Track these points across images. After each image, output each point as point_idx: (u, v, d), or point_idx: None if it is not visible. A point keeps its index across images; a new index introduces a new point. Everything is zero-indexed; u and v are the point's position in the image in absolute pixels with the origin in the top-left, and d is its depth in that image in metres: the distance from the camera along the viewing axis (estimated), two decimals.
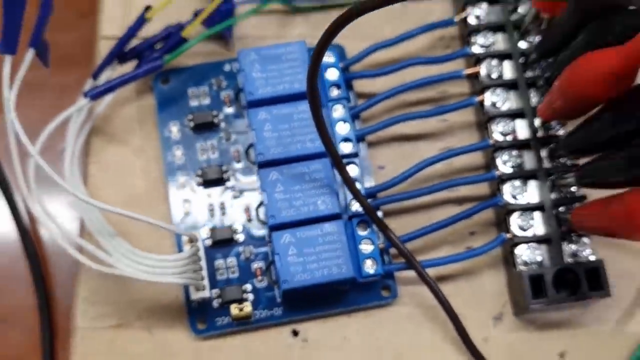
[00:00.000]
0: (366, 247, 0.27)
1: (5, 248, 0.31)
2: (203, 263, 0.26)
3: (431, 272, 0.28)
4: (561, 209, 0.28)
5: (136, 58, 0.29)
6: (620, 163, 0.24)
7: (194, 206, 0.29)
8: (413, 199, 0.28)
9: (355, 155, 0.28)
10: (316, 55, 0.22)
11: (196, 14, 0.30)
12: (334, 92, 0.29)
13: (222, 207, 0.29)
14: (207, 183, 0.29)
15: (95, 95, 0.28)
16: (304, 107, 0.28)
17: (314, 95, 0.24)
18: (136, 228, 0.28)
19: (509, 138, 0.29)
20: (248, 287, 0.28)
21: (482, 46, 0.30)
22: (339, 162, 0.26)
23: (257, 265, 0.28)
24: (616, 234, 0.25)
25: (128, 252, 0.25)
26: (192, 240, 0.27)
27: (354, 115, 0.29)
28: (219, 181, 0.29)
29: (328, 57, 0.29)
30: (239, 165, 0.29)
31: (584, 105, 0.25)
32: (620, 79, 0.23)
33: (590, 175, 0.26)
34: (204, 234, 0.28)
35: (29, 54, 0.27)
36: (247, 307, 0.27)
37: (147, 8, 0.29)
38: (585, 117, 0.26)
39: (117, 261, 0.25)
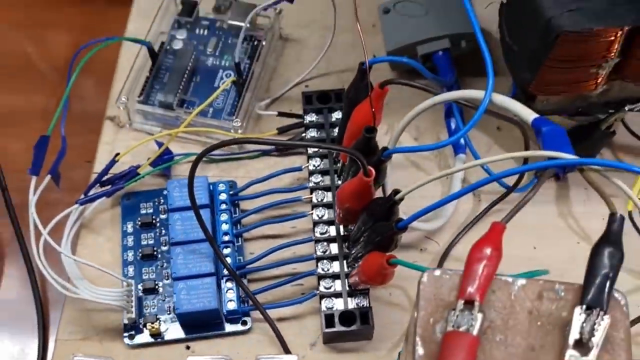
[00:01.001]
0: (230, 294, 0.46)
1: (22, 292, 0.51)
2: (133, 297, 0.46)
3: (273, 313, 0.46)
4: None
5: (109, 184, 0.50)
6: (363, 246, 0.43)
7: (134, 269, 0.48)
8: (268, 269, 0.48)
9: (230, 242, 0.48)
10: (190, 179, 0.42)
11: (148, 158, 0.50)
12: (222, 206, 0.49)
13: (152, 270, 0.48)
14: (145, 257, 0.48)
15: (84, 202, 0.48)
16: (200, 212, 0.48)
17: (194, 204, 0.44)
18: (99, 276, 0.47)
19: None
20: (162, 317, 0.47)
21: (315, 183, 0.50)
22: (213, 244, 0.46)
23: (168, 305, 0.47)
24: (367, 284, 0.43)
25: (89, 286, 0.45)
26: (129, 285, 0.46)
27: (236, 221, 0.49)
28: (150, 256, 0.48)
29: (222, 186, 0.50)
30: (164, 247, 0.49)
31: None
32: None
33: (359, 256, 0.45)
34: (140, 286, 0.47)
35: (47, 178, 0.48)
36: (157, 326, 0.46)
37: (117, 155, 0.50)
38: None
39: (81, 291, 0.44)
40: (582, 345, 0.31)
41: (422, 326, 0.33)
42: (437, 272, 0.34)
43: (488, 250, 0.33)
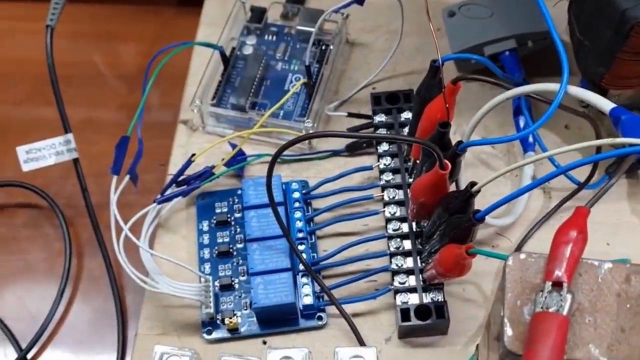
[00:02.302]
0: (306, 289, 0.47)
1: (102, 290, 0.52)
2: (211, 292, 0.47)
3: (347, 309, 0.47)
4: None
5: (185, 184, 0.51)
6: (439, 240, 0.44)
7: (210, 266, 0.49)
8: (341, 266, 0.48)
9: (304, 239, 0.49)
10: (269, 173, 0.43)
11: (222, 159, 0.52)
12: (295, 204, 0.50)
13: (228, 267, 0.49)
14: (221, 254, 0.49)
15: (161, 202, 0.50)
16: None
17: (271, 199, 0.45)
18: (177, 273, 0.48)
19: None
20: (238, 313, 0.47)
21: (386, 181, 0.50)
22: (289, 238, 0.47)
23: (244, 301, 0.48)
24: (444, 276, 0.44)
25: (168, 281, 0.46)
26: (207, 281, 0.47)
27: (309, 219, 0.50)
28: (226, 254, 0.49)
29: (295, 185, 0.51)
30: (240, 245, 0.50)
31: None
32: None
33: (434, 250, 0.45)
34: (217, 282, 0.48)
35: (126, 179, 0.49)
36: (235, 321, 0.46)
37: (193, 155, 0.51)
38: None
39: (161, 285, 0.45)
40: None
41: (509, 308, 0.33)
42: (523, 255, 0.34)
43: (574, 234, 0.34)
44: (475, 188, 0.41)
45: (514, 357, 0.32)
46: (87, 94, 0.62)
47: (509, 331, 0.33)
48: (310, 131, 0.53)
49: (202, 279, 0.47)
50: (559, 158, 0.50)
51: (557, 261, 0.33)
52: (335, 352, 0.43)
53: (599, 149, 0.46)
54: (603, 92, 0.47)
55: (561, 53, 0.42)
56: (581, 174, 0.50)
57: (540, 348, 0.31)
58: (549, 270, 0.33)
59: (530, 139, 0.52)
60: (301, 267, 0.48)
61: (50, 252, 0.55)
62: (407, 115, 0.52)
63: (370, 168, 0.51)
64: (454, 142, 0.44)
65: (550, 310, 0.32)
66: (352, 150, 0.53)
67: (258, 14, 0.57)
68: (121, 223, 0.47)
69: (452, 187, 0.47)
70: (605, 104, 0.40)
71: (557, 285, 0.32)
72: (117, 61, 0.65)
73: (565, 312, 0.32)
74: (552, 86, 0.42)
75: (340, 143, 0.53)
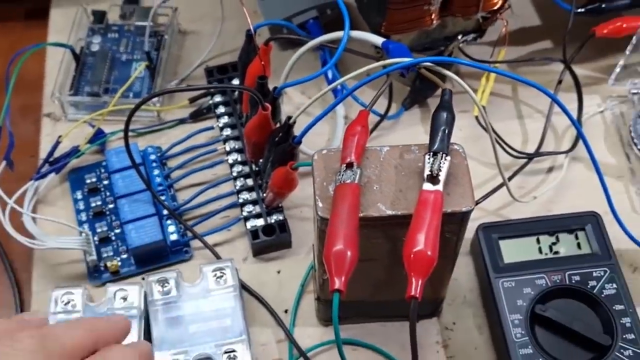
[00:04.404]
0: (171, 229, 0.57)
1: None
2: (92, 242, 0.55)
3: (208, 240, 0.57)
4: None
5: (56, 163, 0.59)
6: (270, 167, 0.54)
7: (88, 226, 0.58)
8: (198, 208, 0.58)
9: (164, 190, 0.58)
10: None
11: (86, 138, 0.60)
12: (153, 164, 0.59)
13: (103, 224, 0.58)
14: (96, 215, 0.58)
15: (37, 178, 0.58)
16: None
17: (132, 160, 0.54)
18: (62, 233, 0.56)
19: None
20: (117, 258, 0.56)
21: (226, 135, 0.61)
22: (150, 188, 0.56)
23: (121, 248, 0.57)
24: (280, 194, 0.54)
25: (53, 237, 0.54)
26: (87, 234, 0.56)
27: (166, 175, 0.59)
28: (100, 214, 0.58)
29: (150, 149, 0.60)
30: (111, 205, 0.59)
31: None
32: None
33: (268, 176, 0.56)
34: (95, 238, 0.57)
35: (3, 164, 0.57)
36: (115, 263, 0.55)
37: (59, 137, 0.60)
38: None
39: (48, 242, 0.54)
40: (433, 179, 0.43)
41: (319, 188, 0.44)
42: (325, 151, 0.46)
43: (358, 128, 0.45)
44: (292, 119, 0.52)
45: (326, 222, 0.43)
46: None
47: (320, 203, 0.44)
48: (157, 105, 0.62)
49: (83, 234, 0.56)
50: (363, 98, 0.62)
51: (348, 149, 0.44)
52: (200, 268, 0.53)
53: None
54: (386, 38, 0.59)
55: (342, 9, 0.53)
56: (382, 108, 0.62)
57: (340, 207, 0.42)
58: (343, 156, 0.44)
59: (340, 88, 0.63)
60: (165, 212, 0.57)
61: None
62: (235, 82, 0.63)
63: (211, 128, 0.62)
64: None
65: (347, 182, 0.43)
66: (195, 117, 0.63)
67: (99, 16, 0.67)
68: (5, 198, 0.55)
69: None
70: (378, 39, 0.52)
71: (350, 165, 0.44)
72: None
73: (356, 181, 0.43)
74: (339, 33, 0.54)
75: (184, 113, 0.63)
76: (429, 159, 0.44)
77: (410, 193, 0.44)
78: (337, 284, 0.40)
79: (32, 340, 0.36)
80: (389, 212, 0.43)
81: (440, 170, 0.43)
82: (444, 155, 0.44)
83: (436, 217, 0.42)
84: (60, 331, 0.38)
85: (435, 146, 0.44)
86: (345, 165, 0.44)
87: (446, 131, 0.44)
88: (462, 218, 0.44)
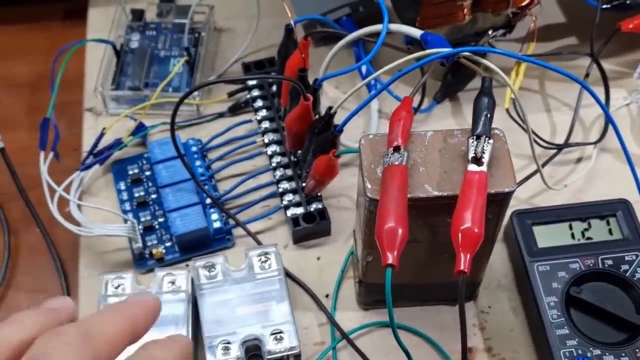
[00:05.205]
0: (214, 217, 0.58)
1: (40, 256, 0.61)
2: (137, 230, 0.57)
3: (250, 229, 0.59)
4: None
5: (100, 154, 0.61)
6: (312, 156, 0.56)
7: (132, 215, 0.60)
8: (239, 198, 0.60)
9: (207, 180, 0.60)
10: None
11: (128, 130, 0.62)
12: (195, 155, 0.61)
13: (147, 214, 0.60)
14: (139, 205, 0.60)
15: (83, 169, 0.60)
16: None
17: (177, 150, 0.56)
18: (108, 221, 0.58)
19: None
20: (161, 246, 0.58)
21: (265, 128, 0.63)
22: (195, 178, 0.58)
23: (165, 236, 0.59)
24: (321, 182, 0.56)
25: (100, 225, 0.56)
26: (132, 222, 0.57)
27: (207, 166, 0.61)
28: (144, 204, 0.60)
29: (192, 142, 0.62)
30: (154, 196, 0.61)
31: None
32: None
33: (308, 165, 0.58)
34: (140, 226, 0.59)
35: (51, 155, 0.59)
36: (160, 250, 0.57)
37: (103, 129, 0.61)
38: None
39: (95, 230, 0.55)
40: (477, 161, 0.45)
41: (367, 170, 0.46)
42: (371, 136, 0.47)
43: (404, 113, 0.47)
44: (333, 109, 0.54)
45: (375, 202, 0.45)
46: None
47: (368, 185, 0.46)
48: (197, 99, 0.64)
49: (129, 222, 0.58)
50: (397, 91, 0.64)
51: (395, 133, 0.46)
52: (246, 253, 0.55)
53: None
54: None
55: (381, 2, 0.56)
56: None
57: (390, 187, 0.44)
58: (390, 140, 0.46)
59: (377, 86, 0.65)
60: (207, 201, 0.59)
61: None
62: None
63: (250, 121, 0.64)
64: None
65: (395, 164, 0.45)
66: (233, 111, 0.65)
67: (138, 14, 0.69)
68: (54, 186, 0.57)
69: None
70: (416, 32, 0.54)
71: (397, 149, 0.46)
72: (15, 72, 0.74)
73: (404, 163, 0.45)
74: (377, 27, 0.56)
75: (223, 107, 0.65)
76: (472, 142, 0.45)
77: (454, 175, 0.46)
78: (390, 258, 0.42)
79: (77, 331, 0.35)
80: (436, 193, 0.45)
81: (484, 152, 0.45)
82: (486, 138, 0.45)
83: (482, 196, 0.44)
84: (101, 320, 0.37)
85: (479, 130, 0.46)
86: (392, 148, 0.46)
87: (488, 115, 0.46)
88: (504, 198, 0.46)
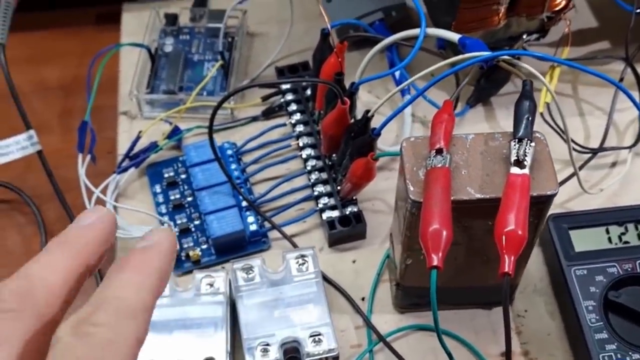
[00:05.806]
0: (250, 219, 0.59)
1: None
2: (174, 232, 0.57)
3: (285, 231, 0.59)
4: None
5: (136, 157, 0.62)
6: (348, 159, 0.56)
7: (168, 218, 0.60)
8: (274, 201, 0.60)
9: (242, 183, 0.60)
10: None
11: (164, 134, 0.63)
12: (230, 159, 0.62)
13: (183, 216, 0.60)
14: (175, 207, 0.60)
15: (120, 172, 0.60)
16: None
17: (215, 152, 0.56)
18: (143, 224, 0.58)
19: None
20: (198, 248, 0.58)
21: (299, 131, 0.63)
22: (231, 181, 0.58)
23: (201, 239, 0.59)
24: (357, 185, 0.56)
25: (137, 227, 0.56)
26: (169, 225, 0.58)
27: (242, 169, 0.62)
28: (180, 206, 0.60)
29: (227, 145, 0.62)
30: (189, 198, 0.61)
31: None
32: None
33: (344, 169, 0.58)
34: (176, 229, 0.59)
35: (88, 157, 0.59)
36: (198, 252, 0.57)
37: (140, 132, 0.62)
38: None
39: (133, 231, 0.56)
40: (520, 164, 0.45)
41: (409, 173, 0.46)
42: (412, 139, 0.48)
43: (445, 116, 0.47)
44: (370, 113, 0.54)
45: (418, 205, 0.45)
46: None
47: (411, 187, 0.46)
48: (231, 102, 0.65)
49: (165, 224, 0.58)
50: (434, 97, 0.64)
51: (437, 135, 0.46)
52: (283, 255, 0.55)
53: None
54: None
55: (418, 6, 0.56)
56: None
57: (434, 189, 0.44)
58: (432, 143, 0.46)
59: (410, 90, 0.65)
60: (244, 203, 0.59)
61: (24, 236, 0.64)
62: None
63: (284, 125, 0.64)
64: None
65: (438, 166, 0.45)
66: (267, 115, 0.65)
67: (171, 19, 0.69)
68: (92, 188, 0.57)
69: None
70: (454, 36, 0.54)
71: (439, 151, 0.46)
72: (47, 76, 0.74)
73: (447, 165, 0.45)
74: (414, 31, 0.56)
75: (256, 111, 0.66)
76: (514, 145, 0.45)
77: (496, 178, 0.46)
78: (435, 260, 0.42)
79: (13, 292, 0.28)
80: (478, 196, 0.45)
81: (526, 155, 0.45)
82: (528, 141, 0.45)
83: (525, 198, 0.44)
84: (40, 267, 0.30)
85: (520, 132, 0.46)
86: (435, 150, 0.46)
87: (529, 118, 0.46)
88: (546, 201, 0.46)
